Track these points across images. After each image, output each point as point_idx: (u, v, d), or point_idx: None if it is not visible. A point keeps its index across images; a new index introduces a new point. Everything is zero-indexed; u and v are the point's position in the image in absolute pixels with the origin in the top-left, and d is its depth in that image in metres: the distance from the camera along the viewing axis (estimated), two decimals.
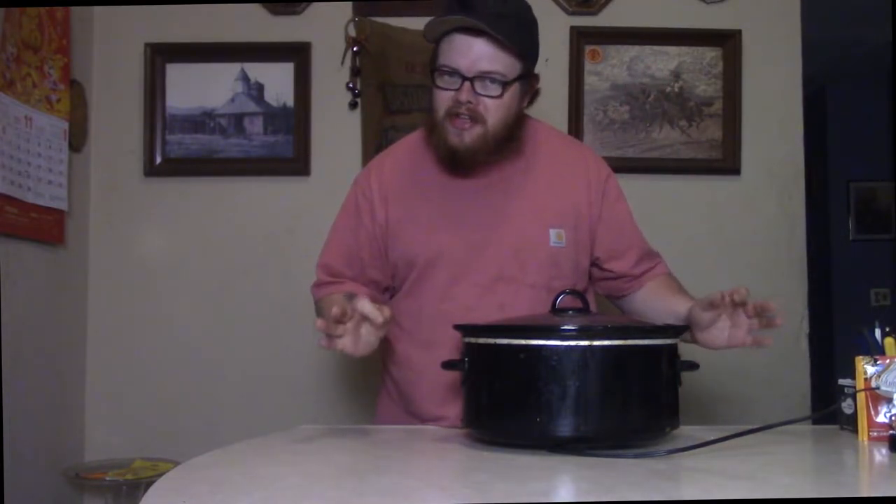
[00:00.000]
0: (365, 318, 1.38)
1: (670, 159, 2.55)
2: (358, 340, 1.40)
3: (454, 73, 1.51)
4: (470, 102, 1.51)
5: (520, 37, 1.53)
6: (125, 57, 2.55)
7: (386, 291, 1.72)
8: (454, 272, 1.60)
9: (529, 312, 1.53)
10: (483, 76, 1.51)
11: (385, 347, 1.70)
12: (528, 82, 1.59)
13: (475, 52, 1.50)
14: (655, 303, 1.66)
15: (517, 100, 1.58)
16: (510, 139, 1.59)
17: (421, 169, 1.66)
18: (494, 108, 1.53)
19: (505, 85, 1.52)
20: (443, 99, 1.54)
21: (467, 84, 1.51)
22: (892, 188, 4.80)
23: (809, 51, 2.61)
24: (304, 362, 2.50)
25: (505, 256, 1.60)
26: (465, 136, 1.53)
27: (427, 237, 1.62)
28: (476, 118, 1.53)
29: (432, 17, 1.53)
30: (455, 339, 1.44)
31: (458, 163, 1.58)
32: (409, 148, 1.72)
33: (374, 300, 1.59)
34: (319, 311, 1.67)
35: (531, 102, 1.66)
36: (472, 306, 1.58)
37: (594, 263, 1.70)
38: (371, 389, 2.43)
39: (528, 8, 1.59)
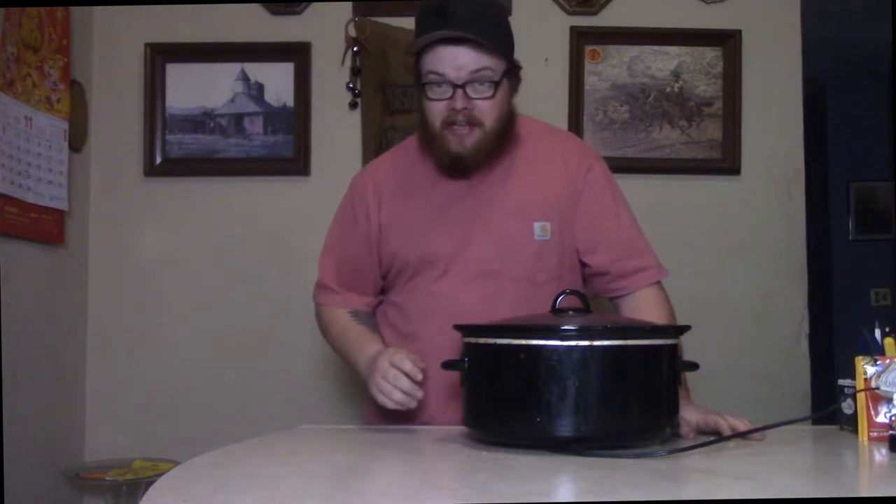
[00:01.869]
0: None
1: (670, 159, 2.55)
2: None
3: (443, 82, 1.53)
4: (466, 108, 1.53)
5: (498, 34, 1.56)
6: (125, 57, 2.55)
7: (382, 292, 1.75)
8: (441, 269, 1.63)
9: (513, 305, 1.54)
10: (473, 80, 1.53)
11: None
12: (514, 76, 1.61)
13: (461, 60, 1.52)
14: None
15: (508, 96, 1.60)
16: (506, 136, 1.62)
17: (414, 172, 1.68)
18: (490, 110, 1.56)
19: (496, 84, 1.55)
20: (437, 110, 1.56)
21: (459, 91, 1.53)
22: (892, 188, 4.80)
23: (809, 51, 2.61)
24: (303, 362, 2.50)
25: (487, 251, 1.62)
26: (466, 140, 1.56)
27: (416, 238, 1.64)
28: (473, 122, 1.55)
29: (413, 37, 1.57)
30: (438, 334, 1.50)
31: (462, 168, 1.61)
32: (403, 152, 1.74)
33: (371, 306, 1.72)
34: (324, 324, 1.75)
35: (514, 91, 1.66)
36: (455, 300, 1.60)
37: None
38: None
39: (494, 2, 1.61)
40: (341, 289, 1.72)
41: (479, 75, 1.53)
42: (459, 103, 1.53)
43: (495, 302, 1.57)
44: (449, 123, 1.55)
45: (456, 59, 1.51)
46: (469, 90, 1.53)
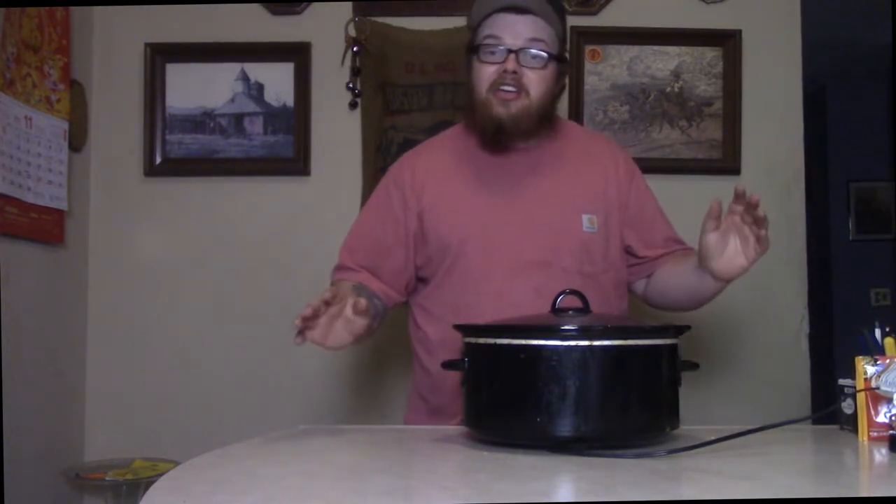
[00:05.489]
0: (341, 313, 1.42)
1: (670, 159, 2.55)
2: (328, 333, 1.45)
3: (498, 47, 1.57)
4: (515, 73, 1.56)
5: (559, 18, 1.61)
6: (125, 57, 2.55)
7: (407, 288, 1.71)
8: (487, 258, 1.61)
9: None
10: (528, 48, 1.56)
11: (418, 341, 1.72)
12: (563, 67, 1.64)
13: (520, 27, 1.56)
14: (671, 271, 1.70)
15: (555, 80, 1.63)
16: (547, 119, 1.65)
17: (456, 157, 1.69)
18: (537, 81, 1.58)
19: (549, 58, 1.58)
20: (487, 73, 1.58)
21: (512, 55, 1.56)
22: (892, 188, 4.80)
23: (809, 51, 2.61)
24: (304, 362, 2.50)
25: (538, 241, 1.61)
26: (511, 106, 1.58)
27: (460, 222, 1.63)
28: (520, 88, 1.57)
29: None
30: None
31: (503, 135, 1.61)
32: (444, 140, 1.76)
33: (384, 294, 1.65)
34: None
35: (558, 96, 1.70)
36: (506, 291, 1.59)
37: (628, 252, 1.72)
38: (371, 389, 2.44)
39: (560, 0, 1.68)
40: (358, 268, 1.69)
41: (535, 45, 1.56)
42: (511, 65, 1.55)
43: (547, 293, 1.52)
44: (496, 87, 1.57)
45: (515, 26, 1.56)
46: (522, 57, 1.56)
